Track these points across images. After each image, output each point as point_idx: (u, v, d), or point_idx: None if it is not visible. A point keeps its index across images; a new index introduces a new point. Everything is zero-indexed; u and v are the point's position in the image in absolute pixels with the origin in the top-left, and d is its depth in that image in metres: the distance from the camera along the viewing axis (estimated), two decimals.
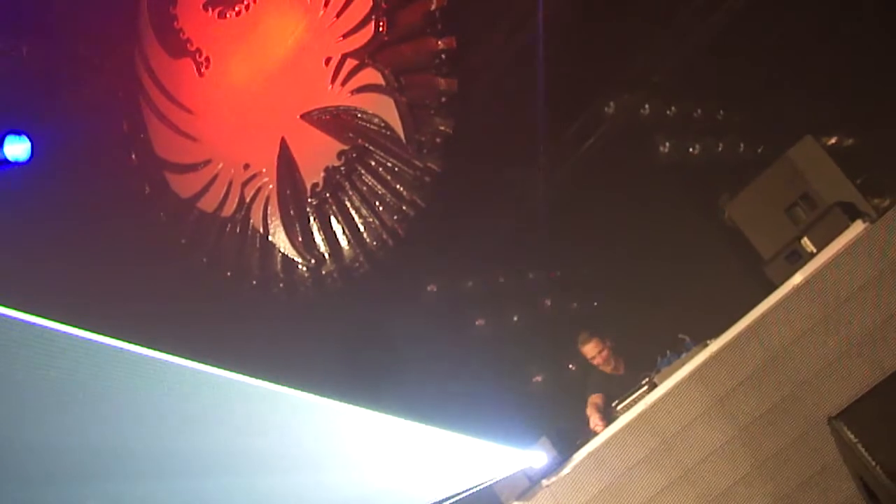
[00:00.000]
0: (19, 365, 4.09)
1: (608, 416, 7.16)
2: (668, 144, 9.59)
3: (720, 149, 9.59)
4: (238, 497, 4.77)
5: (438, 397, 8.13)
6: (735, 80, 9.24)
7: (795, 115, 8.28)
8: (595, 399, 7.79)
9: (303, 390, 6.27)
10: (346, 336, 9.56)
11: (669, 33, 9.62)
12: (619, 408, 6.92)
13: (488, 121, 9.24)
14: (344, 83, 8.95)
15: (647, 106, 9.59)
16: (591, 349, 8.08)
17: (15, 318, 4.31)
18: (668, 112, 9.67)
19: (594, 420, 7.44)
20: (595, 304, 10.19)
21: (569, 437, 7.35)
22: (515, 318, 10.52)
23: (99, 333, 4.66)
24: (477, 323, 10.43)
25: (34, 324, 4.43)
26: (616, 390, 7.55)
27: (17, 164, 8.42)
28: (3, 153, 8.29)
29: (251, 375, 5.76)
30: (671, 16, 9.44)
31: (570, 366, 9.12)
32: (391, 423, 6.71)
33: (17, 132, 8.13)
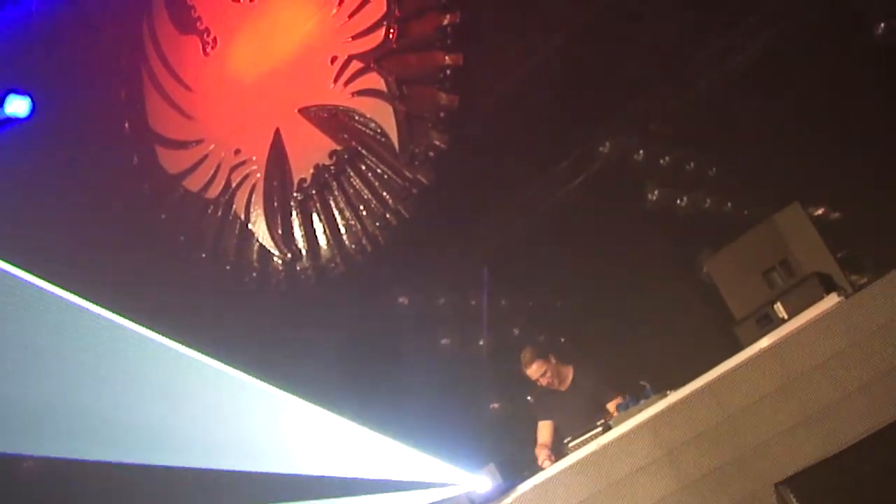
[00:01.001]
0: None
1: (558, 452, 7.16)
2: (656, 192, 9.60)
3: (707, 204, 9.59)
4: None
5: (392, 409, 8.11)
6: (732, 138, 9.27)
7: (787, 181, 8.33)
8: (544, 440, 7.79)
9: (255, 377, 6.28)
10: (310, 334, 9.55)
11: (675, 82, 9.66)
12: (570, 445, 6.91)
13: (483, 142, 9.25)
14: (346, 84, 8.96)
15: (641, 151, 9.61)
16: (534, 371, 8.02)
17: None
18: (661, 160, 9.68)
19: (542, 456, 7.45)
20: (562, 339, 10.19)
21: (516, 467, 7.35)
22: (481, 343, 10.52)
23: (62, 288, 4.67)
24: (442, 341, 10.42)
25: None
26: (564, 410, 7.57)
27: (17, 120, 8.44)
28: (4, 111, 8.30)
29: (205, 353, 5.77)
30: (679, 65, 9.48)
31: (529, 397, 9.08)
32: (340, 423, 6.71)
33: (19, 91, 8.16)
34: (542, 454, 7.49)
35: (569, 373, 8.12)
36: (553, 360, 8.07)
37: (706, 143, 9.59)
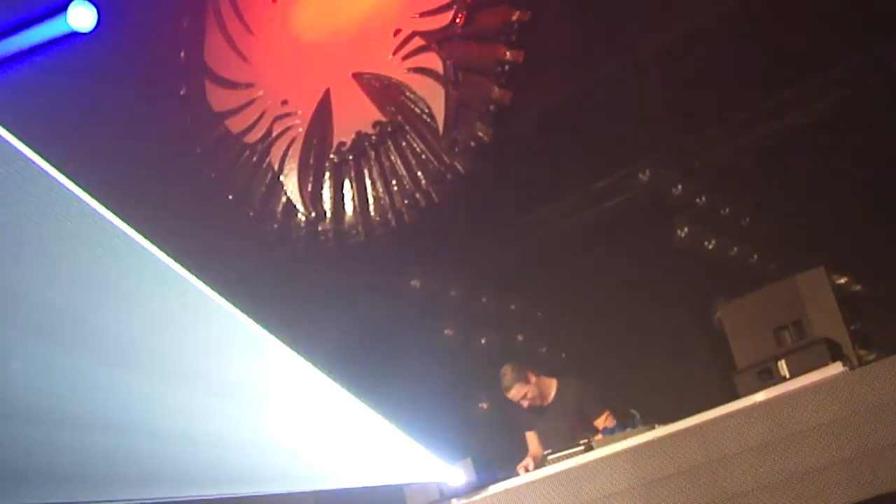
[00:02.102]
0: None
1: (540, 464, 7.14)
2: (686, 230, 9.58)
3: (734, 252, 9.56)
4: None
5: (382, 384, 8.10)
6: (773, 192, 9.25)
7: (818, 244, 8.30)
8: (535, 451, 7.79)
9: (255, 322, 6.31)
10: (316, 294, 9.57)
11: (729, 126, 9.64)
12: (549, 457, 6.92)
13: (526, 145, 9.24)
14: (404, 59, 8.97)
15: (680, 186, 9.59)
16: (514, 395, 7.97)
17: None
18: (698, 199, 9.66)
19: (525, 461, 7.45)
20: (563, 354, 10.19)
21: (492, 467, 7.35)
22: (483, 341, 10.51)
23: (85, 190, 4.71)
24: (445, 332, 10.42)
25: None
26: (545, 424, 7.56)
27: (78, 34, 8.51)
28: (69, 21, 8.37)
29: (208, 285, 5.80)
30: (737, 111, 9.45)
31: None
32: (326, 385, 6.73)
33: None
34: (527, 460, 7.49)
35: (552, 386, 8.10)
36: (533, 380, 8.03)
37: (746, 192, 9.56)
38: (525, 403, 7.96)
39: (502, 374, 8.08)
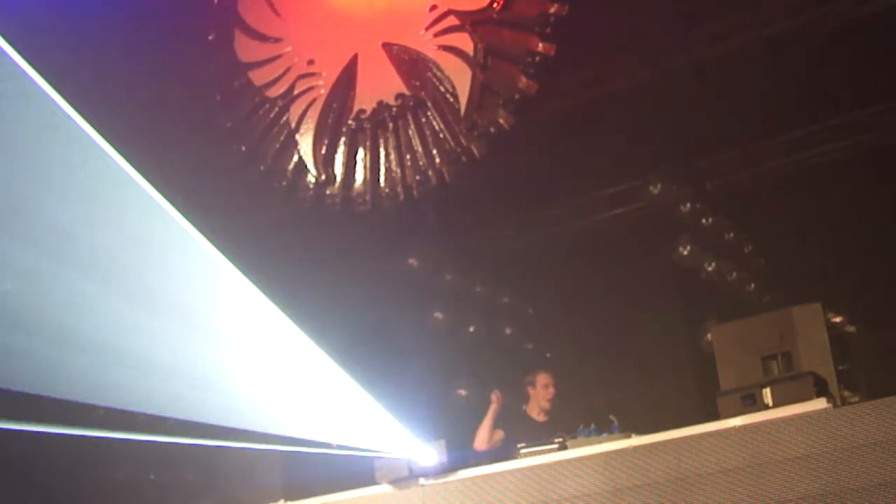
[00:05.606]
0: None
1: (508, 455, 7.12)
2: (688, 248, 9.60)
3: (732, 277, 9.60)
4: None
5: (366, 356, 8.08)
6: (780, 225, 9.28)
7: (817, 282, 8.31)
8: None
9: (245, 275, 6.32)
10: (314, 257, 9.57)
11: (746, 154, 9.66)
12: (522, 450, 6.90)
13: (545, 139, 9.24)
14: (436, 35, 8.91)
15: (688, 205, 9.60)
16: (543, 379, 7.99)
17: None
18: (703, 220, 9.68)
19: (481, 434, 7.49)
20: (548, 354, 10.21)
21: (465, 452, 7.36)
22: (472, 329, 10.53)
23: (93, 127, 4.72)
24: (435, 315, 10.43)
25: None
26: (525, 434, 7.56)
27: None
28: None
29: (203, 234, 5.81)
30: (755, 140, 9.48)
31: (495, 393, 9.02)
32: (308, 347, 6.74)
33: None
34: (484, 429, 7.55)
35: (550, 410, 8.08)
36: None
37: (753, 221, 9.61)
38: (543, 395, 7.95)
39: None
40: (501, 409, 8.05)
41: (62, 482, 8.89)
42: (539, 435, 7.21)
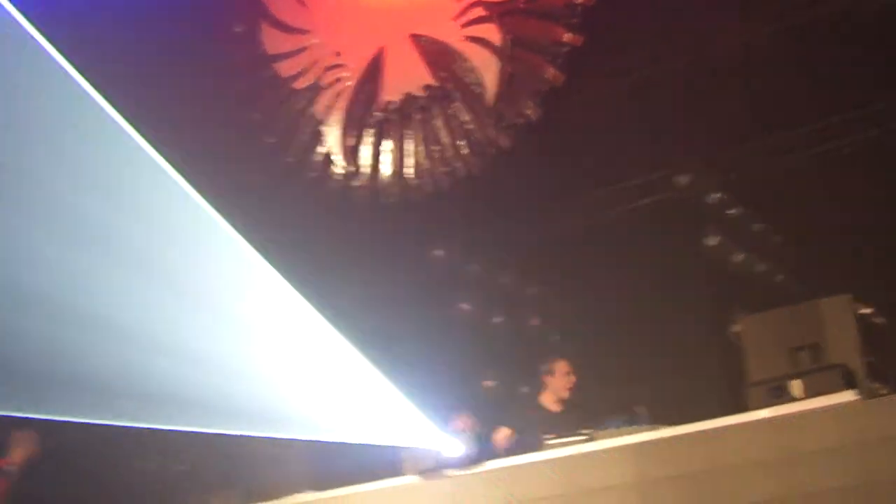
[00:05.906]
0: None
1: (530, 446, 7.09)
2: (715, 240, 9.55)
3: (760, 268, 9.55)
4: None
5: (392, 348, 8.10)
6: (809, 216, 9.21)
7: (846, 274, 8.25)
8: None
9: (274, 267, 6.34)
10: (340, 248, 9.58)
11: (771, 144, 9.59)
12: (549, 441, 6.89)
13: (571, 130, 9.21)
14: (464, 26, 8.93)
15: (717, 195, 9.55)
16: (562, 367, 7.95)
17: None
18: (730, 211, 9.63)
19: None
20: (570, 344, 10.17)
21: (490, 444, 7.37)
22: (497, 320, 10.51)
23: (114, 108, 4.75)
24: (461, 305, 10.43)
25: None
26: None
27: None
28: None
29: (229, 221, 5.83)
30: (780, 130, 9.41)
31: (524, 389, 9.05)
32: (336, 340, 6.76)
33: None
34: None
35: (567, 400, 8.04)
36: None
37: (781, 212, 9.52)
38: (561, 383, 7.91)
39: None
40: (509, 401, 8.05)
41: (88, 472, 8.93)
42: (554, 425, 7.24)
